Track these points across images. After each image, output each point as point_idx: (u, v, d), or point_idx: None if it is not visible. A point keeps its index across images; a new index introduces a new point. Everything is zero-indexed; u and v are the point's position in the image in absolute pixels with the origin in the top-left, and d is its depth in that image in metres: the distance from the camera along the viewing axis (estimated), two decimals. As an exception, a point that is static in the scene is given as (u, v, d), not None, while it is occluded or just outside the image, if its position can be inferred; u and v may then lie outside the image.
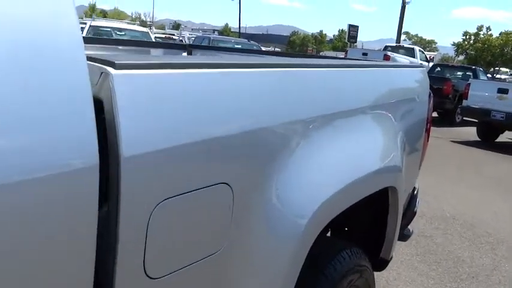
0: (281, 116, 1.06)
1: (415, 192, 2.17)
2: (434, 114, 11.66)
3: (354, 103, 1.43)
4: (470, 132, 9.23)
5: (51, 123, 0.64)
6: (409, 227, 2.24)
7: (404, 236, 2.22)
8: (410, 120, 1.89)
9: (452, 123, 11.00)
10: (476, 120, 8.93)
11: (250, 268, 1.04)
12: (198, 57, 2.24)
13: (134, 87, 0.75)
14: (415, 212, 2.19)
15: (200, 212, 0.89)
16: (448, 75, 12.30)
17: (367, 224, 1.78)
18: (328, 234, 1.85)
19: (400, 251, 3.35)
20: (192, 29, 49.32)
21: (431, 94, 2.09)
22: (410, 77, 1.98)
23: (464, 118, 10.16)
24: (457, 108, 10.09)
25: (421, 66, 2.30)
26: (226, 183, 0.93)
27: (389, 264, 3.09)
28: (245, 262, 1.02)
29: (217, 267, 0.96)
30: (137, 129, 0.74)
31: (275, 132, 1.06)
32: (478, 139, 8.81)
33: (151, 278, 0.80)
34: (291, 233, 1.09)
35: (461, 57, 45.29)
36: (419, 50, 17.26)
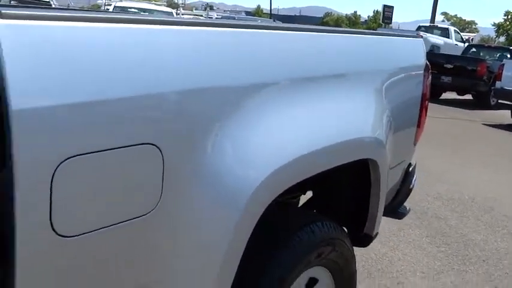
0: (215, 77, 1.01)
1: (411, 168, 2.09)
2: (469, 96, 11.27)
3: (326, 69, 1.37)
4: (505, 116, 8.87)
5: None
6: (405, 204, 2.17)
7: (399, 214, 2.15)
8: (401, 93, 1.81)
9: (486, 106, 10.58)
10: (510, 103, 8.57)
11: (183, 237, 0.99)
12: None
13: (24, 38, 0.72)
14: (411, 189, 2.11)
15: (120, 172, 0.86)
16: (483, 56, 11.83)
17: (350, 198, 1.73)
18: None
19: (409, 231, 3.26)
20: (224, 11, 49.18)
21: (429, 68, 1.99)
22: (403, 48, 1.88)
23: (499, 101, 9.76)
24: (491, 90, 9.69)
25: (416, 36, 2.19)
26: (154, 144, 0.90)
27: (396, 244, 3.05)
28: (177, 230, 0.98)
29: (143, 232, 0.93)
30: (32, 82, 0.72)
31: (216, 94, 1.02)
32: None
33: (61, 235, 0.79)
34: (232, 202, 1.05)
35: (502, 39, 43.44)
36: (455, 31, 16.64)
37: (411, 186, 2.10)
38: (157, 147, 0.90)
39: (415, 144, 2.05)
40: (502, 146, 6.68)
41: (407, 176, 2.07)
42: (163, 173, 0.92)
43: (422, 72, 1.93)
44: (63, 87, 0.76)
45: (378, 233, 1.78)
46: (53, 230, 0.78)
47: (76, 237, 0.81)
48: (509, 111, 8.57)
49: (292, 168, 1.17)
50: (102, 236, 0.85)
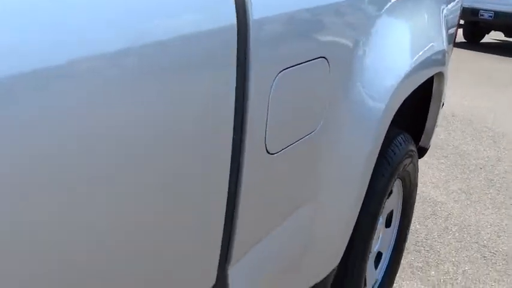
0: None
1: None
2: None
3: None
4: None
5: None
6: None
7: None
8: (451, 12, 1.84)
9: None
10: (463, 21, 8.84)
11: (338, 150, 1.02)
12: None
13: None
14: (443, 104, 2.20)
15: (305, 84, 0.85)
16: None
17: (408, 112, 1.78)
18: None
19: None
20: None
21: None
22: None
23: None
24: (443, 9, 9.86)
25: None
26: (324, 57, 0.88)
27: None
28: (335, 144, 1.00)
29: (314, 147, 0.94)
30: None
31: (365, 7, 1.01)
32: (464, 40, 8.79)
33: (270, 153, 0.78)
34: (373, 116, 1.07)
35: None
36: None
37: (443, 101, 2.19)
38: (327, 60, 0.89)
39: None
40: (461, 62, 6.97)
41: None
42: (328, 86, 0.92)
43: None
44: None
45: (430, 145, 1.86)
46: (266, 148, 0.77)
47: (277, 153, 0.80)
48: (461, 30, 8.87)
49: (405, 84, 1.19)
50: (290, 152, 0.85)
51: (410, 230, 2.33)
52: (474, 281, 1.96)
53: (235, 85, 0.66)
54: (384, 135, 1.12)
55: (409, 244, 2.19)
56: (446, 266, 2.05)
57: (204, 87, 0.62)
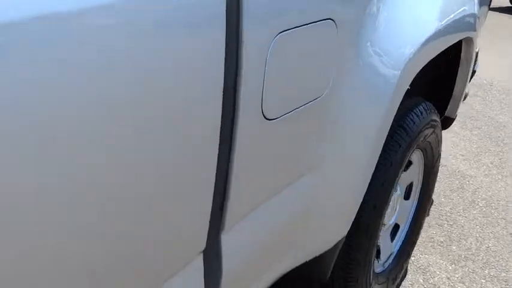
0: None
1: (476, 49, 2.05)
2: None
3: None
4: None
5: None
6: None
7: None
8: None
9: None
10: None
11: (345, 120, 0.98)
12: None
13: None
14: (475, 71, 2.09)
15: (309, 48, 0.80)
16: None
17: (433, 79, 1.70)
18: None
19: (440, 118, 3.31)
20: None
21: None
22: None
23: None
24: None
25: None
26: (332, 19, 0.83)
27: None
28: (343, 111, 0.96)
29: (319, 114, 0.90)
30: None
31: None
32: (510, 5, 8.34)
33: (268, 119, 0.75)
34: (386, 83, 1.02)
35: None
36: None
37: (475, 67, 2.08)
38: (334, 22, 0.84)
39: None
40: (503, 29, 6.63)
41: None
42: (335, 50, 0.87)
43: None
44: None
45: (457, 115, 1.78)
46: (263, 114, 0.73)
47: (277, 119, 0.77)
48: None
49: (423, 51, 1.12)
50: (292, 119, 0.81)
51: (434, 203, 2.27)
52: (497, 258, 1.90)
53: (224, 46, 0.63)
54: (398, 103, 1.07)
55: (432, 218, 2.14)
56: (469, 241, 1.99)
57: (192, 47, 0.59)
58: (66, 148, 0.48)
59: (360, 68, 0.96)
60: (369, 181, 1.07)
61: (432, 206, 2.25)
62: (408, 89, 1.68)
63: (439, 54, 1.44)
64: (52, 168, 0.47)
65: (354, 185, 1.04)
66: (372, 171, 1.07)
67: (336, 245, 1.10)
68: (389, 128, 1.07)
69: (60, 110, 0.46)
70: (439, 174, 2.54)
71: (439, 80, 1.69)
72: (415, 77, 1.68)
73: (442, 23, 1.19)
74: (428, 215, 1.77)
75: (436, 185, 2.45)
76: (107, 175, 0.54)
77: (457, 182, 2.48)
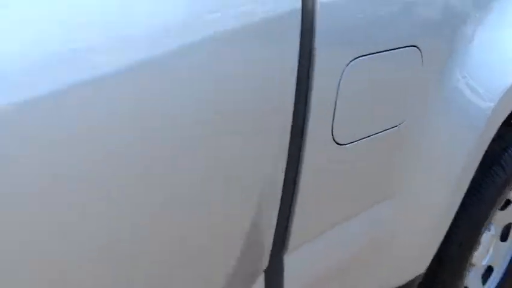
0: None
1: None
2: None
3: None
4: None
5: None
6: None
7: None
8: None
9: None
10: None
11: (428, 152, 0.94)
12: None
13: None
14: None
15: (387, 76, 0.79)
16: None
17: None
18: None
19: None
20: None
21: None
22: None
23: None
24: None
25: None
26: (416, 46, 0.81)
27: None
28: (423, 144, 0.92)
29: (398, 143, 0.88)
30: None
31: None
32: None
33: (339, 144, 0.75)
34: (476, 116, 0.96)
35: None
36: None
37: None
38: (419, 49, 0.82)
39: None
40: None
41: None
42: (421, 77, 0.84)
43: None
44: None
45: None
46: (333, 138, 0.74)
47: (349, 145, 0.77)
48: None
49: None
50: (367, 145, 0.80)
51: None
52: None
53: (296, 70, 0.65)
54: (491, 137, 1.00)
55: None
56: None
57: (263, 73, 0.62)
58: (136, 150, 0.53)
59: (447, 99, 0.92)
60: (452, 217, 1.02)
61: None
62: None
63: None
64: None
65: (434, 219, 0.99)
66: (457, 206, 1.01)
67: (412, 280, 1.05)
68: (478, 163, 1.01)
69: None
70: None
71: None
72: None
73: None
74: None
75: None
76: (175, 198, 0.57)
77: None
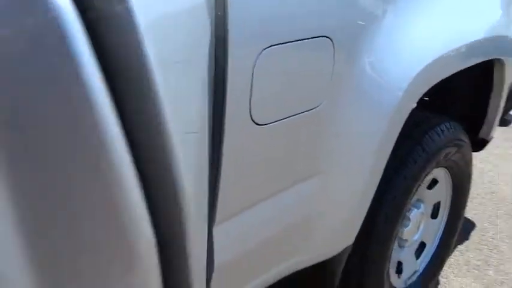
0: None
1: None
2: None
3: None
4: None
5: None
6: (511, 112, 2.12)
7: (504, 122, 2.11)
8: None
9: None
10: None
11: (345, 132, 1.04)
12: None
13: None
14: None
15: (302, 64, 0.88)
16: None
17: (468, 101, 1.70)
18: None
19: (495, 142, 3.21)
20: None
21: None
22: None
23: None
24: None
25: None
26: (328, 37, 0.91)
27: (485, 157, 3.01)
28: (340, 125, 1.02)
29: (314, 125, 0.97)
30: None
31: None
32: None
33: (258, 124, 0.83)
34: (388, 99, 1.07)
35: None
36: None
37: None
38: (331, 40, 0.91)
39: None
40: None
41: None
42: (333, 65, 0.94)
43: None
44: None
45: (492, 137, 1.76)
46: (251, 118, 0.82)
47: (268, 125, 0.85)
48: None
49: (433, 69, 1.16)
50: (285, 127, 0.89)
51: (476, 228, 2.22)
52: (537, 286, 1.83)
53: (213, 54, 0.72)
54: (404, 117, 1.11)
55: (472, 242, 2.09)
56: (508, 266, 1.93)
57: (183, 58, 0.69)
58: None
59: (362, 82, 1.02)
60: (373, 191, 1.12)
61: (473, 231, 2.21)
62: (437, 108, 1.70)
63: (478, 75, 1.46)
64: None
65: (356, 194, 1.09)
66: (377, 182, 1.12)
67: (341, 253, 1.15)
68: (394, 142, 1.12)
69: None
70: (486, 200, 2.49)
71: (477, 102, 1.69)
72: (451, 97, 1.70)
73: (457, 42, 1.22)
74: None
75: (482, 210, 2.40)
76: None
77: (505, 208, 2.40)
